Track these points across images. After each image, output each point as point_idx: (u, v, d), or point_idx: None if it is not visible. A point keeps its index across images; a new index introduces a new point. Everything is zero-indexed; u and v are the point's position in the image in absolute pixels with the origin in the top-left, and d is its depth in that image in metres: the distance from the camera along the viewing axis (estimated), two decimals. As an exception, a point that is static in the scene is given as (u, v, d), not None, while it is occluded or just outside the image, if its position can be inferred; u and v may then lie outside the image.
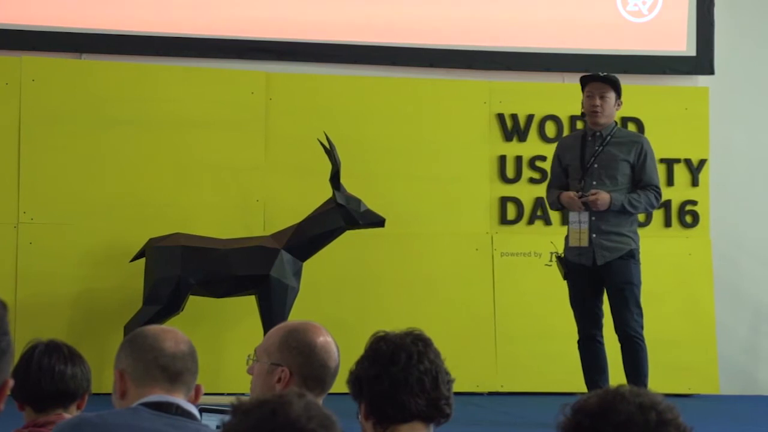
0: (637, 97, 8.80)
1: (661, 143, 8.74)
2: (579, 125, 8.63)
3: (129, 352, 3.02)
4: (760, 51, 9.20)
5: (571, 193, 6.96)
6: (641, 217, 8.69)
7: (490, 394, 8.29)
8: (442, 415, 2.93)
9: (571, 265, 6.98)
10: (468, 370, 8.05)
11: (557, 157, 7.20)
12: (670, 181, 8.77)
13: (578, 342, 7.01)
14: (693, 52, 8.98)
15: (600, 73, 7.12)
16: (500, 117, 8.58)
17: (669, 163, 8.77)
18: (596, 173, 6.94)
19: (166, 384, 2.94)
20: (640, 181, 6.99)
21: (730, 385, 8.68)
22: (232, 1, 8.44)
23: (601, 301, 6.98)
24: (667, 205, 8.73)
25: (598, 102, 6.97)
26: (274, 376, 3.30)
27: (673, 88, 8.92)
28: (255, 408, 2.12)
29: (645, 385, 6.72)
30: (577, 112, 8.64)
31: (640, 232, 8.63)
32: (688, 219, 8.77)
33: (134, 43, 8.27)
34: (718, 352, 8.62)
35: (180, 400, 2.92)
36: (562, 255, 7.06)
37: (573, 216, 6.98)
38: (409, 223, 8.32)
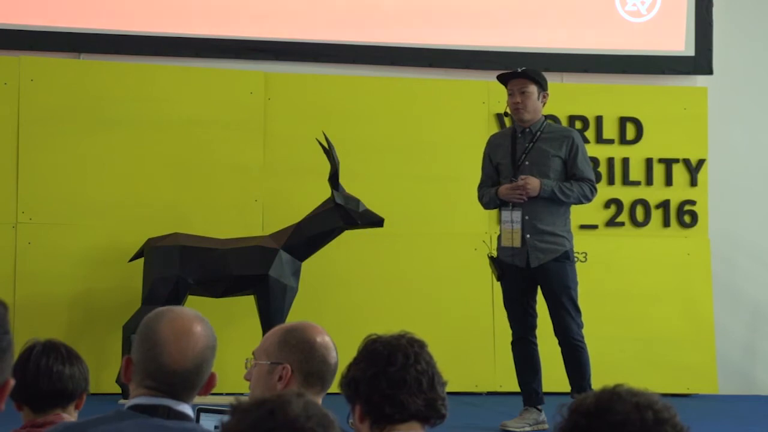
0: (635, 97, 8.82)
1: (659, 143, 8.78)
2: (578, 125, 8.64)
3: (138, 346, 2.95)
4: (759, 51, 9.21)
5: (507, 185, 6.83)
6: (640, 217, 8.72)
7: (489, 393, 8.29)
8: (438, 416, 2.95)
9: (505, 266, 6.88)
10: (466, 370, 8.06)
11: (487, 155, 7.07)
12: (668, 181, 8.78)
13: (511, 344, 6.97)
14: (691, 52, 8.98)
15: (518, 69, 7.00)
16: (499, 117, 8.57)
17: (668, 163, 8.78)
18: (527, 170, 6.83)
19: (167, 388, 2.90)
20: (574, 175, 6.86)
21: (728, 385, 8.69)
22: (231, 1, 8.44)
23: (535, 302, 6.90)
24: (665, 205, 8.74)
25: (518, 99, 6.87)
26: (275, 375, 3.31)
27: (671, 88, 8.93)
28: (254, 407, 2.11)
29: (588, 387, 6.68)
30: (576, 111, 8.70)
31: (639, 231, 8.71)
32: (687, 219, 8.77)
33: (133, 42, 8.27)
34: (716, 352, 8.63)
35: (170, 401, 2.87)
36: (495, 255, 6.98)
37: (505, 215, 6.85)
38: (408, 223, 8.33)
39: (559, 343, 6.86)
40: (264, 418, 2.08)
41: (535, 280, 6.85)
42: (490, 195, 6.98)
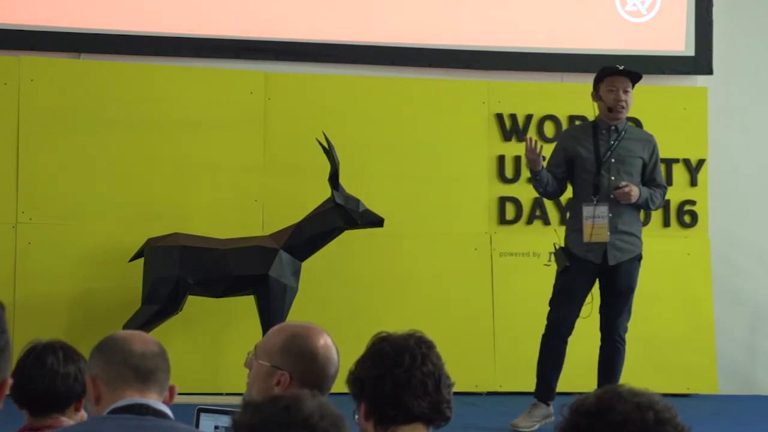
0: (635, 97, 8.75)
1: (659, 143, 8.71)
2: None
3: (99, 357, 2.99)
4: (759, 51, 9.21)
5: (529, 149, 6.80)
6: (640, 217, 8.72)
7: (489, 394, 8.29)
8: (442, 418, 2.94)
9: (576, 260, 6.88)
10: (467, 370, 8.05)
11: (562, 149, 7.02)
12: (668, 181, 8.76)
13: (543, 336, 6.96)
14: (692, 52, 8.98)
15: (619, 66, 7.02)
16: (499, 117, 8.58)
17: (668, 162, 8.77)
18: (613, 167, 6.87)
19: (139, 384, 2.89)
20: (653, 180, 6.97)
21: (728, 385, 8.69)
22: (231, 1, 8.44)
23: (584, 302, 6.93)
24: (665, 205, 8.73)
25: (623, 97, 6.92)
26: (274, 379, 3.28)
27: (671, 88, 8.93)
28: (268, 403, 2.11)
29: None
30: (576, 111, 8.68)
31: (639, 231, 8.71)
32: (687, 219, 8.77)
33: (133, 42, 8.26)
34: (716, 352, 8.63)
35: (152, 401, 2.87)
36: (564, 246, 6.96)
37: (588, 210, 6.84)
38: (408, 223, 8.32)
39: (602, 338, 6.91)
40: (279, 414, 2.08)
41: (601, 277, 6.88)
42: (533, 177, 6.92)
